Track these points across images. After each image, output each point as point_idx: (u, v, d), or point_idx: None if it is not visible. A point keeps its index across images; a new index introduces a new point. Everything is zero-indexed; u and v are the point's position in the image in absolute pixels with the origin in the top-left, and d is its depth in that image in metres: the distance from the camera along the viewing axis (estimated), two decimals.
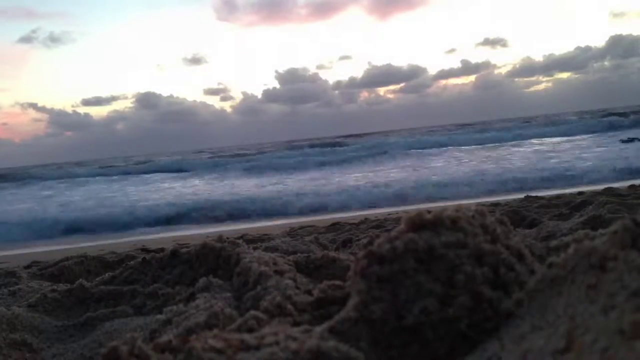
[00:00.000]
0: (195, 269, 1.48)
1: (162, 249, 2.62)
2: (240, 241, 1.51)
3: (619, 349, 0.41)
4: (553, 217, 3.14)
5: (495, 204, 4.61)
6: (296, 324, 0.84)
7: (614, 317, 0.45)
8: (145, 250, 3.55)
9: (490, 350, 0.59)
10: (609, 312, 0.47)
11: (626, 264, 0.51)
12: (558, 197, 4.58)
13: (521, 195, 5.32)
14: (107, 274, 1.61)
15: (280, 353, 0.60)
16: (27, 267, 2.79)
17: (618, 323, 0.44)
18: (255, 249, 1.55)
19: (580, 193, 4.84)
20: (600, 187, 5.21)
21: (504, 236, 0.73)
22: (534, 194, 5.42)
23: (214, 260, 1.46)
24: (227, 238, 1.54)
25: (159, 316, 1.10)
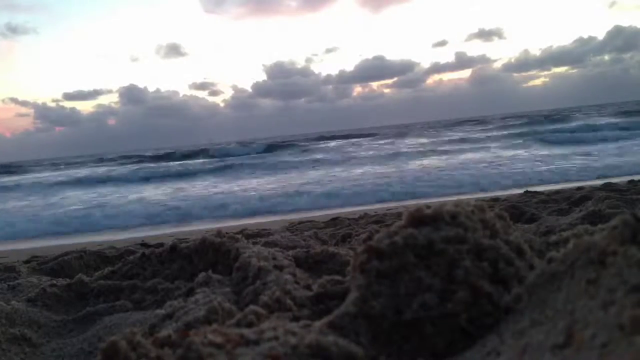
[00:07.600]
0: (195, 263, 1.48)
1: (161, 244, 2.61)
2: (239, 236, 1.51)
3: (618, 344, 0.41)
4: (552, 212, 3.15)
5: (495, 199, 4.61)
6: (295, 319, 0.84)
7: (614, 312, 0.45)
8: (144, 245, 3.55)
9: (489, 345, 0.59)
10: (608, 307, 0.46)
11: (626, 259, 0.51)
12: (557, 192, 4.57)
13: (520, 191, 5.32)
14: (106, 269, 1.61)
15: (279, 348, 0.60)
16: (27, 261, 2.79)
17: (617, 318, 0.44)
18: (254, 244, 1.55)
19: (579, 188, 4.83)
20: (599, 182, 5.21)
21: (504, 231, 0.73)
22: (533, 189, 5.42)
23: (213, 255, 1.46)
24: (227, 233, 1.54)
25: (158, 311, 1.10)
